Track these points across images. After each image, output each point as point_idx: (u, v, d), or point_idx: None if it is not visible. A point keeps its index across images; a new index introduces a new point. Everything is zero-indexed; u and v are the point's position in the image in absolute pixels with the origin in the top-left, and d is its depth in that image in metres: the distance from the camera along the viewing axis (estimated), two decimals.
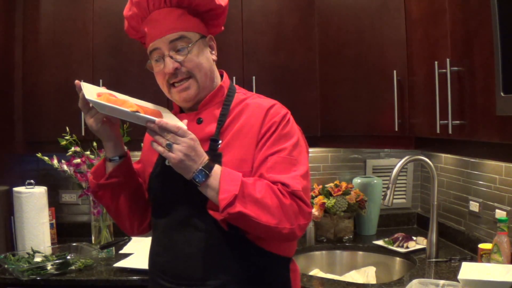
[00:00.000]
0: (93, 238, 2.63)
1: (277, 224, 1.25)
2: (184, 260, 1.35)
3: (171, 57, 1.36)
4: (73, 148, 2.50)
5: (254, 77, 2.53)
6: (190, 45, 1.37)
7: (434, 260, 2.32)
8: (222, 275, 1.33)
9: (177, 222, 1.37)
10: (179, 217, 1.37)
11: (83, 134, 2.51)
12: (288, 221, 1.27)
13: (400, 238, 2.56)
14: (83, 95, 1.29)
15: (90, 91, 1.33)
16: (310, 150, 2.94)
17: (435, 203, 2.37)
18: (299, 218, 1.29)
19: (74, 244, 2.48)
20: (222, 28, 1.53)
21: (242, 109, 1.40)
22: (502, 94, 1.52)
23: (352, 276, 2.49)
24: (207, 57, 1.42)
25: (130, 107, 1.29)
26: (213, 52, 1.47)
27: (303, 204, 1.30)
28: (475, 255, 2.25)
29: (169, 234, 1.39)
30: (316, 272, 2.50)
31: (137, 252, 2.45)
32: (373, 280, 2.44)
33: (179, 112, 1.49)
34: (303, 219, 1.30)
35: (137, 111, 1.28)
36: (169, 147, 1.22)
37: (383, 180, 2.88)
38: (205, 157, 1.27)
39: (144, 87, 2.56)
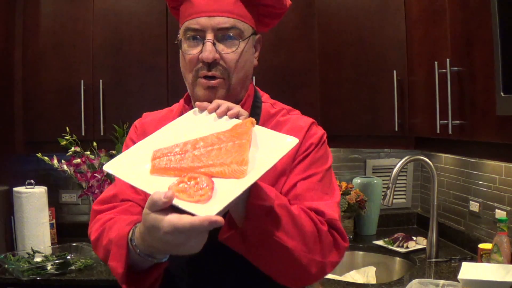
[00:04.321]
0: None
1: (307, 253, 0.98)
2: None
3: (214, 44, 1.10)
4: (73, 148, 2.50)
5: (254, 77, 2.52)
6: (241, 40, 1.13)
7: (434, 260, 2.32)
8: None
9: None
10: None
11: (83, 134, 2.51)
12: (320, 253, 1.01)
13: (400, 238, 2.56)
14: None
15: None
16: None
17: (435, 203, 2.37)
18: (332, 253, 1.04)
19: (74, 244, 2.48)
20: (267, 30, 1.29)
21: (273, 127, 1.14)
22: (502, 94, 1.52)
23: (352, 276, 2.49)
24: (251, 60, 1.19)
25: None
26: (256, 55, 1.22)
27: (339, 237, 1.06)
28: (475, 255, 2.25)
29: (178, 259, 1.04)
30: None
31: None
32: (373, 280, 2.44)
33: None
34: (337, 256, 1.05)
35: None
36: None
37: (383, 180, 2.88)
38: None
39: (144, 87, 2.57)
